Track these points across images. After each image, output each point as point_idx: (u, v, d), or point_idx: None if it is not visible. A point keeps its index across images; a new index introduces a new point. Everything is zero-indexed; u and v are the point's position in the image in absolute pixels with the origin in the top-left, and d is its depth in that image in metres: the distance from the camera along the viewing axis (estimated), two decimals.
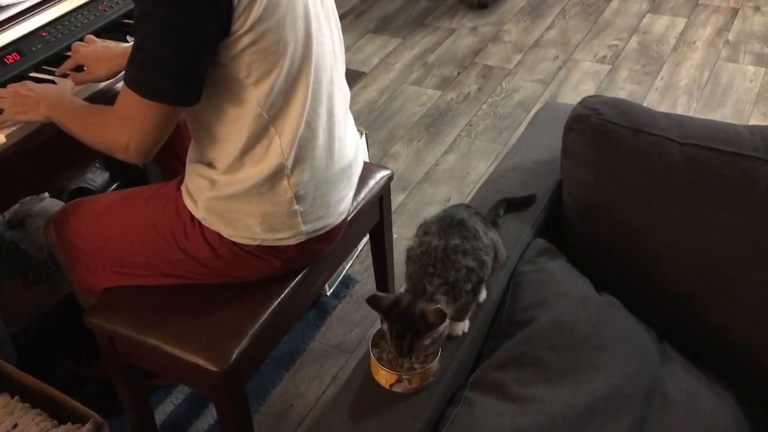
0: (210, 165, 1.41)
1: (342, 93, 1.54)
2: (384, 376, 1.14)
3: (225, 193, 1.41)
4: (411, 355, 1.10)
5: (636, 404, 1.17)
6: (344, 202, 1.59)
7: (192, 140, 1.45)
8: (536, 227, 1.45)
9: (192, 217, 1.47)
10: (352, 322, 2.28)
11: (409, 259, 1.23)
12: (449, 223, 1.24)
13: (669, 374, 1.26)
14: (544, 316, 1.24)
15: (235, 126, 1.33)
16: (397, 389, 1.14)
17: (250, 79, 1.28)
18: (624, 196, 1.37)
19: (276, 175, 1.39)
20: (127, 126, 1.28)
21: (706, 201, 1.31)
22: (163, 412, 2.02)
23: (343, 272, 2.42)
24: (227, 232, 1.45)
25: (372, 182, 1.84)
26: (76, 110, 1.42)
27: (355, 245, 2.03)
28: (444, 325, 1.11)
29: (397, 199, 2.73)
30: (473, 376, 1.21)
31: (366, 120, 3.21)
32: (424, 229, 1.26)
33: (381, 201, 1.91)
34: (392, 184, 1.96)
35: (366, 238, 2.43)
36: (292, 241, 1.49)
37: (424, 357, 1.12)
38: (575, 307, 1.25)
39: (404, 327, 1.10)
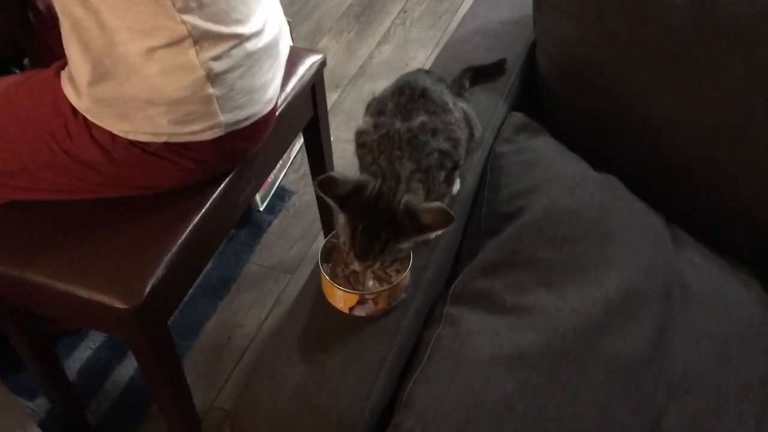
0: (89, 33, 1.08)
1: None
2: (341, 298, 0.87)
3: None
4: (378, 259, 0.83)
5: (655, 302, 0.94)
6: (271, 87, 1.28)
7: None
8: (510, 99, 1.18)
9: (74, 111, 1.14)
10: (292, 238, 2.01)
11: (362, 146, 0.94)
12: (410, 95, 0.96)
13: (686, 263, 1.04)
14: (536, 204, 0.98)
15: None
16: (360, 313, 0.88)
17: None
18: (616, 50, 1.11)
19: (178, 44, 1.07)
20: None
21: (717, 48, 1.06)
22: (78, 359, 1.74)
23: (277, 183, 2.13)
24: (121, 128, 1.14)
25: (301, 69, 1.53)
26: None
27: (287, 146, 1.73)
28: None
29: (330, 98, 2.42)
30: (453, 288, 0.95)
31: (287, 13, 2.83)
32: (378, 107, 0.97)
33: (314, 92, 1.60)
34: (324, 81, 1.67)
35: (300, 144, 2.16)
36: (208, 135, 1.19)
37: (390, 262, 0.85)
38: (572, 191, 1.00)
39: (378, 224, 0.82)
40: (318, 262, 0.89)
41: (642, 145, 1.15)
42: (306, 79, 1.53)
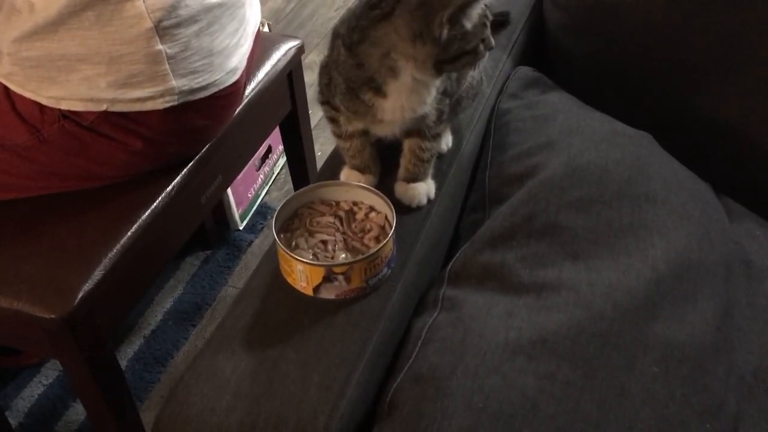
0: None
1: None
2: (303, 274, 0.66)
3: (41, 22, 0.90)
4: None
5: (715, 276, 0.72)
6: (236, 54, 1.09)
7: None
8: (515, 55, 0.98)
9: None
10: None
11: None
12: None
13: (745, 236, 0.82)
14: (553, 161, 0.77)
15: None
16: (327, 294, 0.66)
17: None
18: None
19: None
20: None
21: None
22: (28, 397, 1.52)
23: (259, 199, 1.94)
24: (51, 94, 0.95)
25: (276, 54, 1.34)
26: None
27: (260, 140, 1.53)
28: None
29: (317, 114, 2.24)
30: (452, 265, 0.73)
31: (273, 30, 2.69)
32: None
33: (291, 81, 1.41)
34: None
35: (284, 161, 1.98)
36: (159, 104, 0.99)
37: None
38: (599, 145, 0.79)
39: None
40: (273, 230, 0.68)
41: (674, 106, 0.94)
42: (281, 65, 1.34)
